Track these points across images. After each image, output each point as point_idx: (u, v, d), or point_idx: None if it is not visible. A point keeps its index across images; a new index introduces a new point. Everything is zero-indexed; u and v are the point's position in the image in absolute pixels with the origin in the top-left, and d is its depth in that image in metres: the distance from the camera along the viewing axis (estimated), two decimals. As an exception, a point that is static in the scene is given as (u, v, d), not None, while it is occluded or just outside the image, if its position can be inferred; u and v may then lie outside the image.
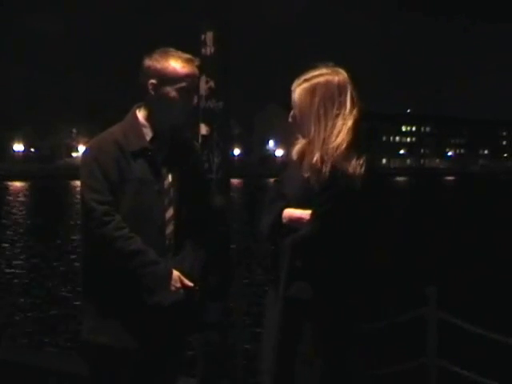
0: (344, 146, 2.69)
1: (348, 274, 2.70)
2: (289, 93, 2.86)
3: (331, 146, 2.70)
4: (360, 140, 2.74)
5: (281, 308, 2.71)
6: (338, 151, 2.69)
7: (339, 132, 2.71)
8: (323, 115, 2.74)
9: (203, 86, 3.70)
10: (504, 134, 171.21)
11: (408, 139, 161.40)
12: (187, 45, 3.15)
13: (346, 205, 2.65)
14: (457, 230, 27.41)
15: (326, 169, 2.68)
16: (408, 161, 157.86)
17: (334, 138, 2.71)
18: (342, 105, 2.74)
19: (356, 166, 2.66)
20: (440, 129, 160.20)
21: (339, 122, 2.72)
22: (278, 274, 2.74)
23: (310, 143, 2.79)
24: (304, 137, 2.83)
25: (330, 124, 2.73)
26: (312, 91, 2.76)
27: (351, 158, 2.67)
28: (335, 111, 2.73)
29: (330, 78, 2.76)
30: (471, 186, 74.89)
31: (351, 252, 2.69)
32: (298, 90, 2.80)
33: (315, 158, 2.72)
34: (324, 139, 2.72)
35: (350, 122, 2.72)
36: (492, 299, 13.32)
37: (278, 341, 2.71)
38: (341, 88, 2.75)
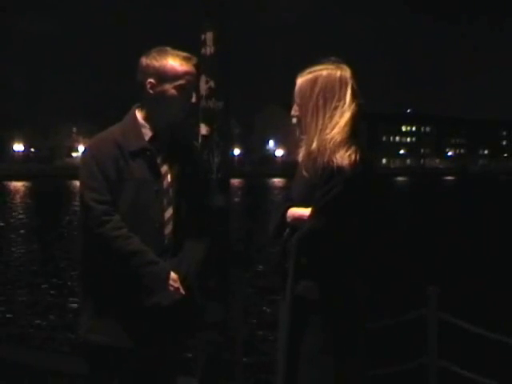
0: (339, 139, 2.69)
1: (352, 266, 2.70)
2: (292, 89, 2.86)
3: (326, 137, 2.70)
4: (356, 134, 2.74)
5: (289, 307, 2.71)
6: (332, 143, 2.69)
7: (335, 124, 2.72)
8: (322, 106, 2.75)
9: (203, 86, 3.70)
10: (504, 133, 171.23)
11: (408, 139, 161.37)
12: (187, 45, 3.14)
13: (342, 198, 2.64)
14: (457, 230, 27.40)
15: (321, 160, 2.68)
16: (408, 161, 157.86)
17: (329, 130, 2.71)
18: (342, 98, 2.75)
19: (344, 156, 2.64)
20: (440, 129, 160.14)
21: (337, 115, 2.73)
22: (286, 272, 2.74)
23: (307, 134, 2.79)
24: (303, 130, 2.83)
25: (327, 116, 2.74)
26: (313, 81, 2.78)
27: (342, 150, 2.67)
28: (334, 103, 2.74)
29: (332, 71, 2.78)
30: (471, 186, 74.86)
31: (353, 244, 2.69)
32: (300, 81, 2.82)
33: (311, 149, 2.73)
34: (320, 131, 2.73)
35: (347, 116, 2.72)
36: (492, 299, 13.31)
37: (287, 339, 2.71)
38: (342, 82, 2.77)
